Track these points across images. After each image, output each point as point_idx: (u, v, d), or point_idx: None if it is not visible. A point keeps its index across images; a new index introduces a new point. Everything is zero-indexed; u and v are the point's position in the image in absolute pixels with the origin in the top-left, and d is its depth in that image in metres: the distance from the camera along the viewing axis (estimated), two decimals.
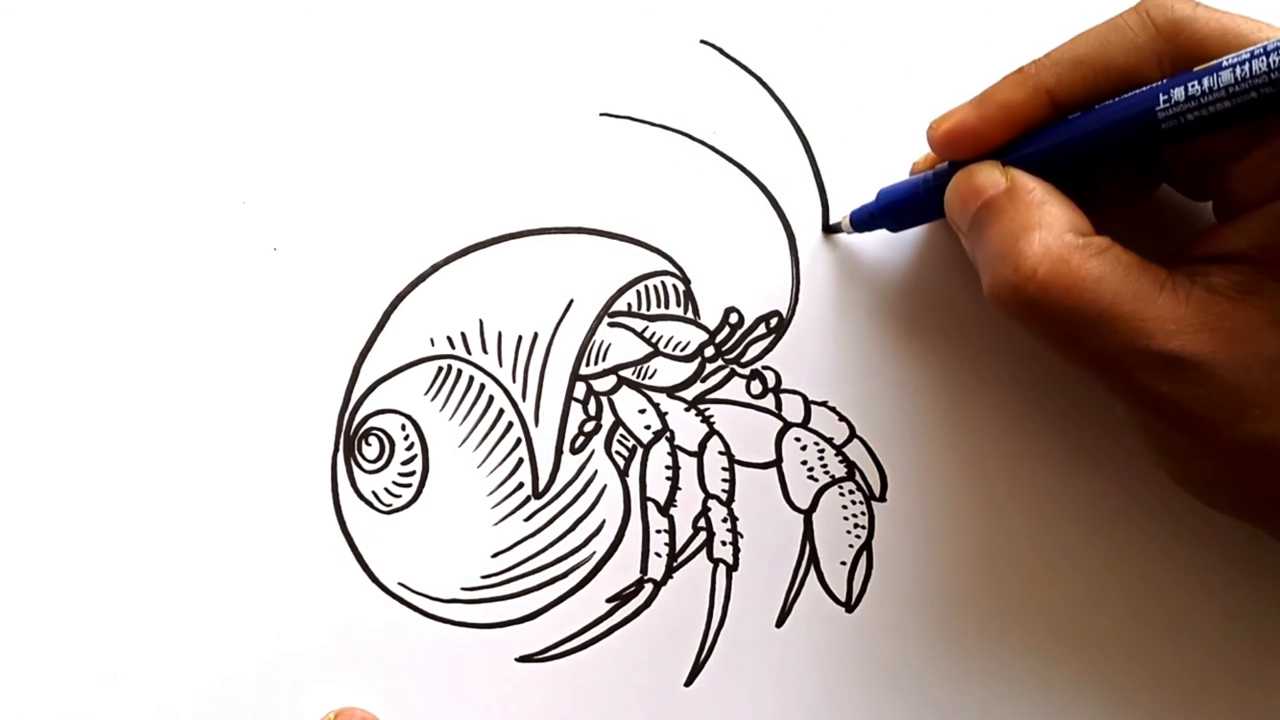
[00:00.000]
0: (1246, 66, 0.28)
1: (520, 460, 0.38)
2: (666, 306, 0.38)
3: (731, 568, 0.38)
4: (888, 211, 0.36)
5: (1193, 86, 0.29)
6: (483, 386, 0.38)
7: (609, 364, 0.38)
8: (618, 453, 0.38)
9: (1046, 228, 0.30)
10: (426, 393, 0.38)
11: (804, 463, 0.38)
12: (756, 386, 0.38)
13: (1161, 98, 0.30)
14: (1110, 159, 0.31)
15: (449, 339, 0.38)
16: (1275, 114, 0.29)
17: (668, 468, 0.38)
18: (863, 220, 0.36)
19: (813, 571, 0.38)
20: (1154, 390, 0.30)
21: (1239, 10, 0.31)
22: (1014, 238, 0.31)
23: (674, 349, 0.38)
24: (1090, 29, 0.32)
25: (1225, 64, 0.29)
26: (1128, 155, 0.31)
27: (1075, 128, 0.32)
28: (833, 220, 0.38)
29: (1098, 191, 0.33)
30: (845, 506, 0.38)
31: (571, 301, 0.38)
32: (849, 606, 0.38)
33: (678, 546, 0.38)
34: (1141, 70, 0.31)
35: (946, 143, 0.33)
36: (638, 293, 0.38)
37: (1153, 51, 0.31)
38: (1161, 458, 0.33)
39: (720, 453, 0.38)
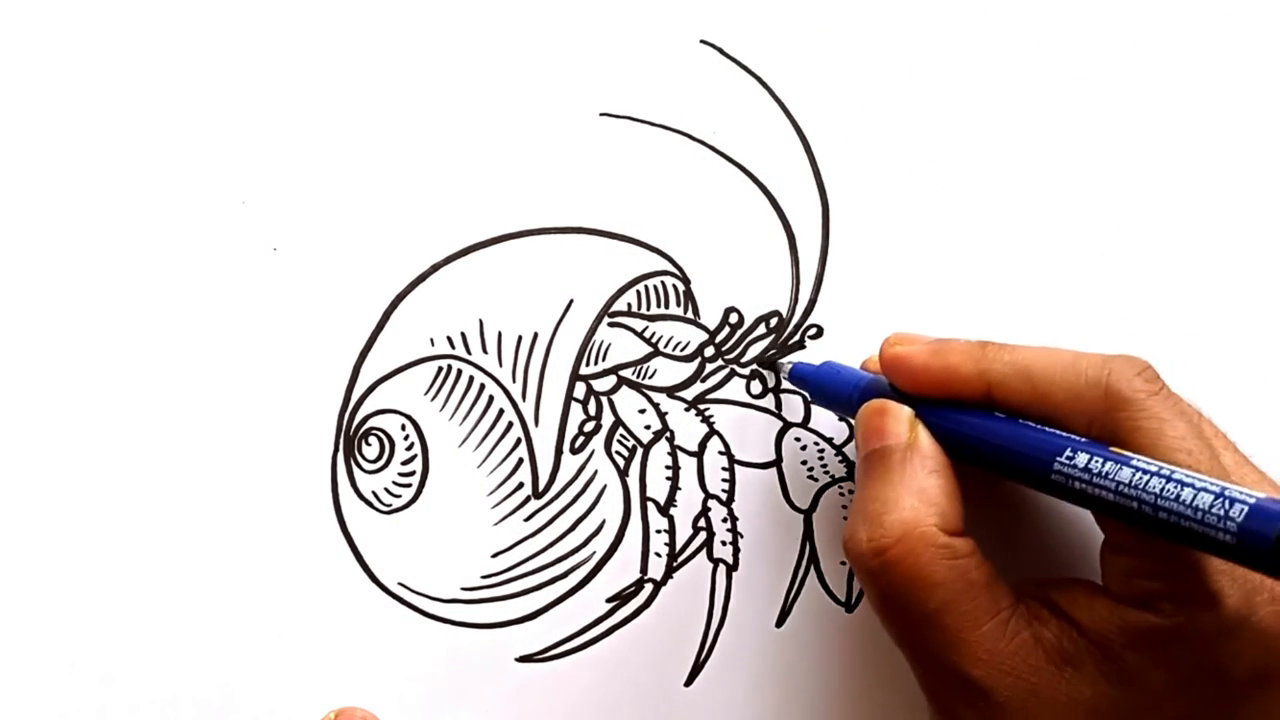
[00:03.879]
0: (1145, 478, 0.28)
1: (520, 460, 0.38)
2: (666, 306, 0.38)
3: (731, 568, 0.38)
4: (819, 392, 0.36)
5: (1095, 462, 0.29)
6: (483, 386, 0.38)
7: (609, 364, 0.38)
8: (618, 453, 0.38)
9: (914, 511, 0.31)
10: (426, 393, 0.38)
11: (804, 463, 0.38)
12: (756, 386, 0.38)
13: (1066, 453, 0.30)
14: (1004, 475, 0.32)
15: (449, 339, 0.38)
16: (1147, 532, 0.28)
17: (668, 468, 0.38)
18: (797, 381, 0.37)
19: (813, 571, 0.38)
20: (950, 702, 0.31)
21: None
22: (883, 506, 0.31)
23: (674, 349, 0.38)
24: (1059, 353, 0.32)
25: (1134, 462, 0.28)
26: (1020, 481, 0.31)
27: (985, 430, 0.32)
28: (783, 360, 0.38)
29: None
30: (845, 506, 0.38)
31: (571, 301, 0.38)
32: (849, 606, 0.38)
33: (678, 546, 0.38)
34: (1070, 421, 0.31)
35: (890, 364, 0.34)
36: (638, 293, 0.38)
37: (1087, 413, 0.30)
38: None
39: (720, 453, 0.38)
